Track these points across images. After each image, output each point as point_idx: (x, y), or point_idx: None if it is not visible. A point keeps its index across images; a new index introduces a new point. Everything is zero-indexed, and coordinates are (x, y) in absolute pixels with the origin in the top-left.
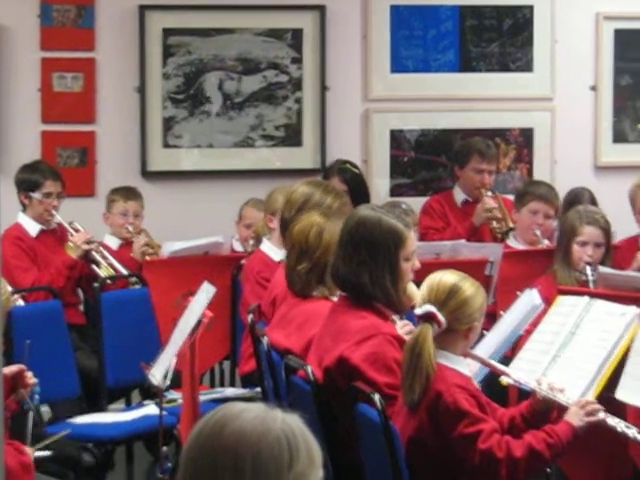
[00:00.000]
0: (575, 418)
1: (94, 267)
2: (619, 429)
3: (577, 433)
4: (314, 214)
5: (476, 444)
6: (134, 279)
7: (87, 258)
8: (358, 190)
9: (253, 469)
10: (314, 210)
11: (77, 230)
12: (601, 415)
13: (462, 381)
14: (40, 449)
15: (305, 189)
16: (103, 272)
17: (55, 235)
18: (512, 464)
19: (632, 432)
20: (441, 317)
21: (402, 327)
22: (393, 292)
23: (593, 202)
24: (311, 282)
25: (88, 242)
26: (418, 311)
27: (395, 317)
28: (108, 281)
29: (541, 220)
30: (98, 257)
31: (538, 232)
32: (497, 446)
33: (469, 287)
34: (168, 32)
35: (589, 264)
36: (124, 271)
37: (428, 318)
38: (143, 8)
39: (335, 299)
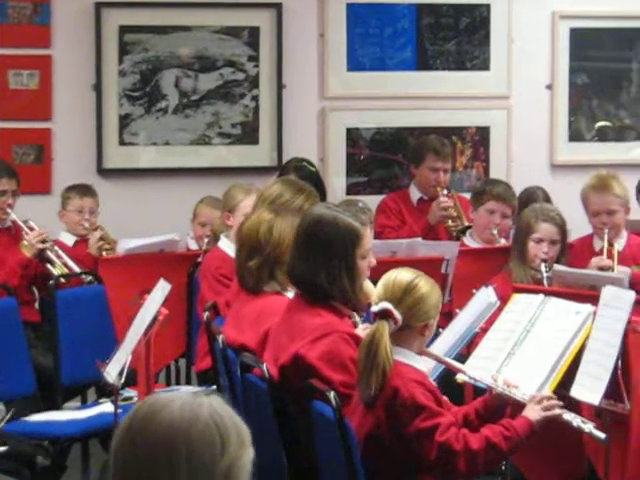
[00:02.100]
0: (532, 413)
1: (48, 266)
2: (575, 424)
3: (535, 428)
4: (263, 210)
5: (433, 437)
6: (89, 277)
7: (41, 257)
8: (315, 188)
9: (187, 458)
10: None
11: (32, 229)
12: (558, 410)
13: (419, 377)
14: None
15: (277, 187)
16: (57, 271)
17: (10, 233)
18: (470, 456)
19: (588, 427)
20: (397, 314)
21: (363, 330)
22: (350, 290)
23: (547, 201)
24: (262, 278)
25: (43, 241)
26: (374, 308)
27: (357, 319)
28: (62, 280)
29: (498, 220)
30: (52, 256)
31: (495, 231)
32: (455, 439)
33: (425, 284)
34: (124, 29)
35: (544, 261)
36: (78, 270)
37: (384, 315)
38: (99, 5)
39: (288, 294)
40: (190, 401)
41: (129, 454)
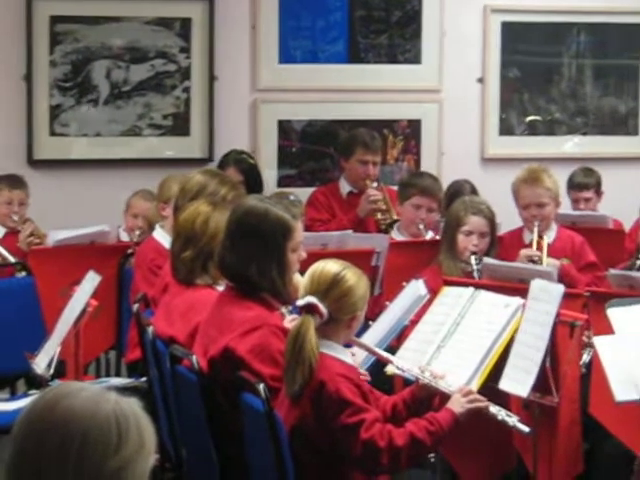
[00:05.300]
0: (457, 405)
1: None
2: (500, 417)
3: (458, 420)
4: (201, 203)
5: (358, 434)
6: (19, 267)
7: None
8: (254, 181)
9: (79, 448)
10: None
11: None
12: (483, 403)
13: (345, 370)
14: None
15: (200, 178)
16: None
17: None
18: (394, 453)
19: (512, 420)
20: (323, 308)
21: (290, 321)
22: (280, 283)
23: (474, 194)
24: (195, 270)
25: None
26: (300, 302)
27: (284, 311)
28: None
29: (424, 214)
30: None
31: (421, 226)
32: (379, 435)
33: (352, 276)
34: (55, 19)
35: (474, 253)
36: (11, 258)
37: (309, 309)
38: None
39: (219, 288)
40: (97, 394)
41: (25, 433)
